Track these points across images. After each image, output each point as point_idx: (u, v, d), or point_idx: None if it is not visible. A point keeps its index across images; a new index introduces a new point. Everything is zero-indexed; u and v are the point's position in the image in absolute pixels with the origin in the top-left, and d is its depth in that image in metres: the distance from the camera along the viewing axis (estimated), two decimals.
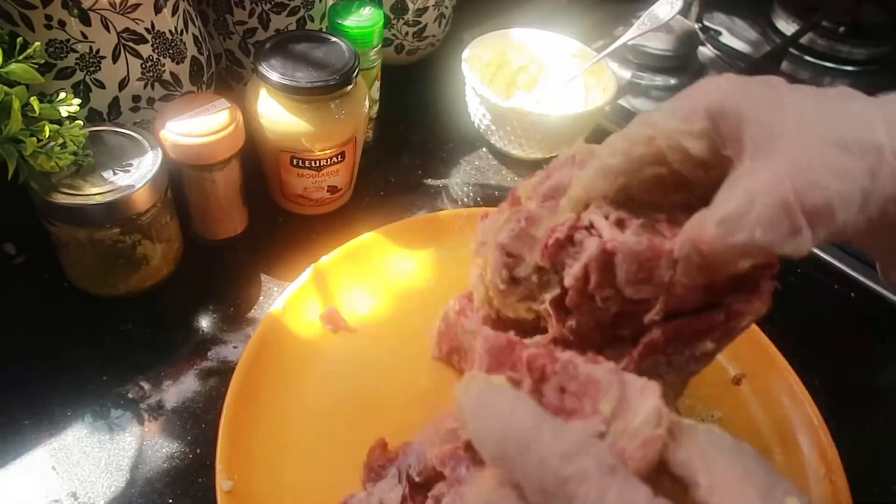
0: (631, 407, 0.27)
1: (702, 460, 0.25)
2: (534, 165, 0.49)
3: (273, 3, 0.57)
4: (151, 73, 0.51)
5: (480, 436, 0.26)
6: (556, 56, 0.71)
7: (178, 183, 0.51)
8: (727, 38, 0.90)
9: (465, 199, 0.64)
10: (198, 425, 0.45)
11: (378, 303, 0.52)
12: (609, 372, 0.28)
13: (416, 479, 0.37)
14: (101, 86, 0.49)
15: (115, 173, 0.46)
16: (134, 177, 0.46)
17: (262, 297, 0.53)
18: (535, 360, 0.29)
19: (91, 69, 0.48)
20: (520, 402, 0.26)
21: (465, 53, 0.66)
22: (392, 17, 0.71)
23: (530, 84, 0.72)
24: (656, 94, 0.79)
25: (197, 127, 0.48)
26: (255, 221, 0.58)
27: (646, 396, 0.27)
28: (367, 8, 0.58)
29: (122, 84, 0.50)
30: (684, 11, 0.88)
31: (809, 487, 0.44)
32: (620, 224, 0.33)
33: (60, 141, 0.43)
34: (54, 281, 0.51)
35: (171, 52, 0.51)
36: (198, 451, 0.44)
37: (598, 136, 0.70)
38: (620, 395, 0.27)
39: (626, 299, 0.33)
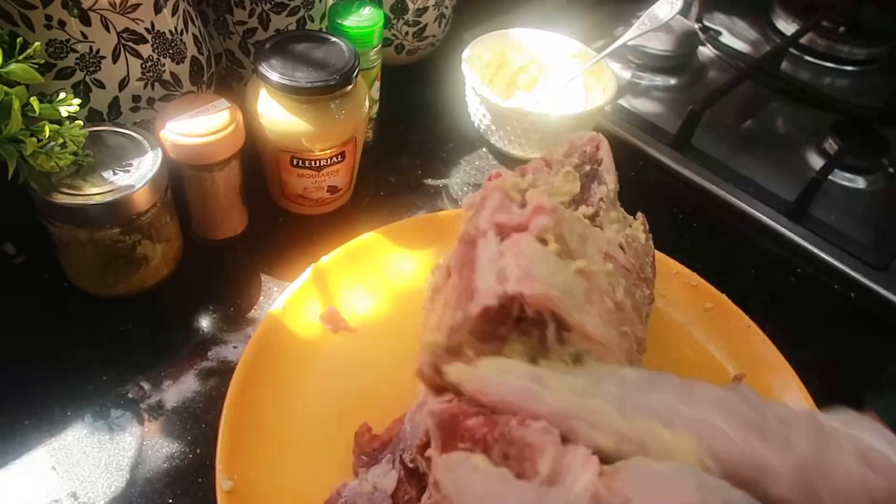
0: (570, 473, 0.29)
1: (639, 499, 0.27)
2: None
3: (273, 3, 0.57)
4: (151, 73, 0.51)
5: None
6: (556, 56, 0.71)
7: (178, 183, 0.51)
8: (727, 38, 0.90)
9: None
10: (198, 425, 0.45)
11: (378, 303, 0.52)
12: (541, 433, 0.30)
13: (410, 465, 0.37)
14: (101, 86, 0.49)
15: (115, 173, 0.46)
16: (134, 177, 0.46)
17: (262, 297, 0.53)
18: (475, 431, 0.31)
19: (91, 69, 0.48)
20: (487, 476, 0.29)
21: (465, 53, 0.66)
22: (392, 17, 0.71)
23: (530, 84, 0.72)
24: (656, 94, 0.79)
25: (197, 127, 0.48)
26: (255, 221, 0.58)
27: (585, 469, 0.29)
28: (367, 8, 0.58)
29: (122, 84, 0.50)
30: (684, 11, 0.89)
31: None
32: None
33: (60, 141, 0.43)
34: (54, 281, 0.51)
35: (171, 52, 0.51)
36: (198, 451, 0.44)
37: None
38: (557, 456, 0.29)
39: None
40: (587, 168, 0.46)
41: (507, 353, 0.35)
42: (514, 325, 0.34)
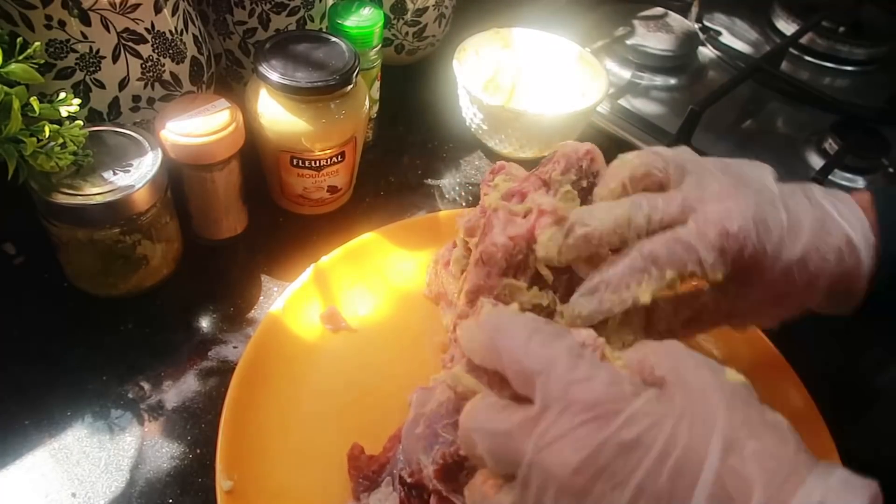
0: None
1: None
2: (530, 165, 0.49)
3: (273, 3, 0.57)
4: (151, 73, 0.51)
5: (474, 342, 0.32)
6: (550, 55, 0.71)
7: (178, 183, 0.51)
8: (727, 38, 0.89)
9: (466, 200, 0.64)
10: (198, 425, 0.45)
11: (378, 303, 0.52)
12: None
13: (409, 481, 0.37)
14: (101, 86, 0.49)
15: (115, 173, 0.46)
16: (134, 177, 0.46)
17: (262, 297, 0.53)
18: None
19: (91, 69, 0.48)
20: (513, 312, 0.32)
21: (458, 52, 0.66)
22: (392, 17, 0.71)
23: (524, 84, 0.72)
24: (656, 94, 0.79)
25: (197, 127, 0.48)
26: (255, 221, 0.58)
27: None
28: (367, 8, 0.58)
29: (122, 84, 0.50)
30: (684, 11, 0.89)
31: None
32: None
33: (60, 141, 0.43)
34: (54, 281, 0.51)
35: (171, 52, 0.51)
36: (198, 451, 0.44)
37: (590, 134, 0.70)
38: None
39: None
40: (584, 183, 0.45)
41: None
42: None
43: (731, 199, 0.36)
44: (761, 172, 0.39)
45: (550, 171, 0.44)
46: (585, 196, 0.46)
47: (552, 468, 0.27)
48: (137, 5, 0.48)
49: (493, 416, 0.30)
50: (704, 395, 0.28)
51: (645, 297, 0.35)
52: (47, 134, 0.42)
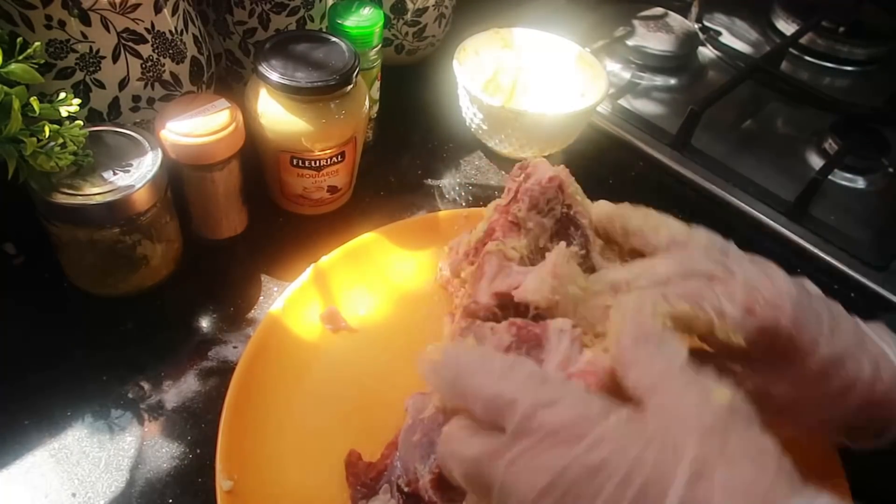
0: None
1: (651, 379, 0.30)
2: None
3: (273, 3, 0.57)
4: (151, 73, 0.51)
5: (438, 385, 0.32)
6: (550, 55, 0.71)
7: (178, 183, 0.51)
8: (727, 38, 0.90)
9: (466, 200, 0.64)
10: (198, 425, 0.45)
11: (378, 303, 0.52)
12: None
13: (406, 489, 0.37)
14: (101, 86, 0.49)
15: (115, 173, 0.46)
16: (134, 177, 0.46)
17: (262, 297, 0.53)
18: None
19: (91, 69, 0.48)
20: (469, 349, 0.33)
21: (457, 52, 0.66)
22: (392, 17, 0.71)
23: (524, 84, 0.72)
24: (656, 94, 0.79)
25: (197, 127, 0.48)
26: (255, 221, 0.58)
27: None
28: (367, 8, 0.58)
29: (122, 84, 0.50)
30: (684, 11, 0.89)
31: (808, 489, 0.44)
32: None
33: (60, 141, 0.43)
34: (54, 281, 0.51)
35: (171, 52, 0.51)
36: (198, 451, 0.44)
37: (590, 134, 0.70)
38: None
39: None
40: (557, 211, 0.43)
41: None
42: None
43: (772, 280, 0.36)
44: (800, 279, 0.38)
45: (516, 211, 0.42)
46: (564, 226, 0.43)
47: (520, 490, 0.28)
48: (137, 5, 0.48)
49: (465, 441, 0.30)
50: (681, 421, 0.28)
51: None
52: (47, 134, 0.42)
